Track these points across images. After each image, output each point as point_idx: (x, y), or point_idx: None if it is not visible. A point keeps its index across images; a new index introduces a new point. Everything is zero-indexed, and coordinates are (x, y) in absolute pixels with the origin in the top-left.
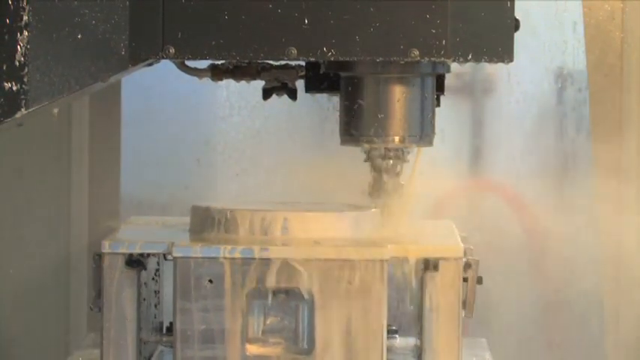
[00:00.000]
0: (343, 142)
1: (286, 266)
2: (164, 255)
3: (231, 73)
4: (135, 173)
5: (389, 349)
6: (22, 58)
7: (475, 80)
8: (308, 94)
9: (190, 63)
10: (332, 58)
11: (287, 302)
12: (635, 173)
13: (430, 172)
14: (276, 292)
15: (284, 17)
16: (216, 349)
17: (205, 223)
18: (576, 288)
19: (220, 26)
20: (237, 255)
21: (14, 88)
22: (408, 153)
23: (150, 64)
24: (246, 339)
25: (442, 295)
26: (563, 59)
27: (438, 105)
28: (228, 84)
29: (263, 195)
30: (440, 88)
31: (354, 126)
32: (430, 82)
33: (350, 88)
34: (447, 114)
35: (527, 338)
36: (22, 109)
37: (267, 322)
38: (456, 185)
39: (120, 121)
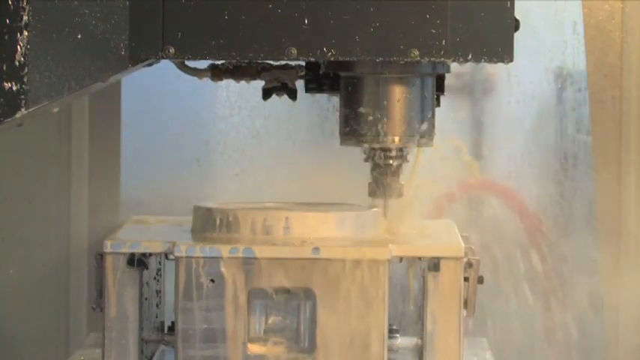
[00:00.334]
0: (343, 142)
1: (288, 266)
2: (166, 255)
3: (231, 73)
4: (135, 173)
5: (390, 349)
6: (22, 58)
7: (475, 80)
8: (308, 94)
9: (190, 63)
10: (332, 58)
11: (288, 302)
12: (635, 173)
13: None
14: (277, 292)
15: (284, 17)
16: (217, 348)
17: (207, 223)
18: (576, 288)
19: (220, 26)
20: (238, 255)
21: (14, 88)
22: (408, 153)
23: (150, 64)
24: (247, 338)
25: (443, 294)
26: (562, 59)
27: (438, 105)
28: (228, 84)
29: (263, 195)
30: (440, 88)
31: (354, 126)
32: (430, 82)
33: (350, 88)
34: (447, 114)
35: (526, 338)
36: (22, 109)
37: (269, 321)
38: (456, 185)
39: (120, 121)
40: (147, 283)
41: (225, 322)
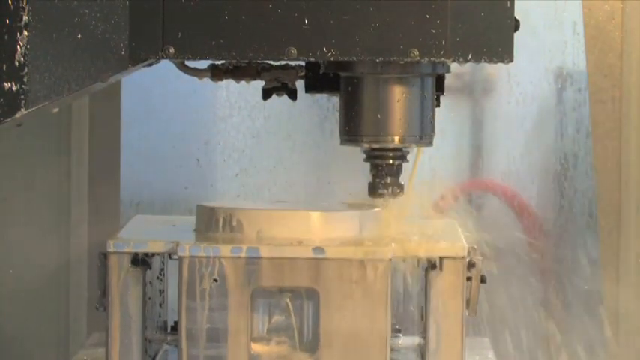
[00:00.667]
0: (343, 142)
1: (291, 265)
2: (169, 254)
3: (231, 73)
4: (135, 173)
5: (392, 348)
6: (22, 58)
7: (475, 80)
8: (308, 94)
9: (190, 63)
10: (332, 58)
11: (291, 301)
12: (635, 173)
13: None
14: (280, 291)
15: (284, 17)
16: (221, 347)
17: (210, 222)
18: (576, 288)
19: (220, 26)
20: (242, 254)
21: (14, 88)
22: (408, 153)
23: (150, 64)
24: (250, 337)
25: (446, 294)
26: (562, 59)
27: (438, 105)
28: (228, 84)
29: (263, 195)
30: (440, 88)
31: (354, 126)
32: (430, 82)
33: (350, 88)
34: (447, 114)
35: (526, 338)
36: (22, 109)
37: (272, 320)
38: (456, 185)
39: (120, 121)
40: (150, 282)
41: (229, 321)
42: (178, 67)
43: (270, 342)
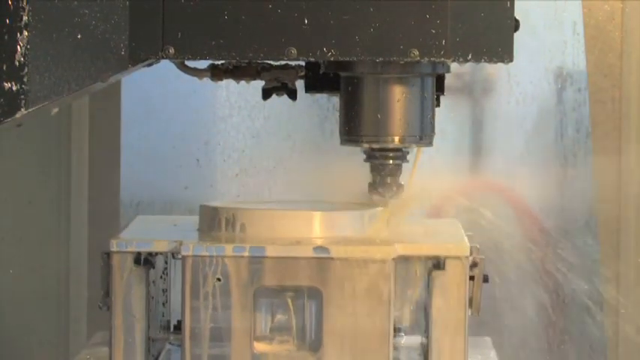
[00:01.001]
0: (343, 142)
1: (293, 265)
2: (172, 254)
3: (231, 73)
4: (135, 173)
5: (395, 348)
6: (22, 58)
7: (475, 80)
8: (308, 94)
9: (190, 63)
10: (332, 58)
11: (294, 300)
12: (635, 173)
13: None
14: (283, 291)
15: (284, 17)
16: (224, 347)
17: (213, 222)
18: (576, 288)
19: (220, 26)
20: (245, 254)
21: (14, 88)
22: (408, 153)
23: (150, 64)
24: (254, 337)
25: (449, 293)
26: (562, 59)
27: (438, 105)
28: (228, 84)
29: (263, 195)
30: (440, 88)
31: (354, 126)
32: (430, 82)
33: (350, 88)
34: (447, 114)
35: (526, 338)
36: (22, 109)
37: (275, 320)
38: (456, 185)
39: (120, 121)
40: (153, 281)
41: (232, 320)
42: (178, 67)
43: (273, 341)
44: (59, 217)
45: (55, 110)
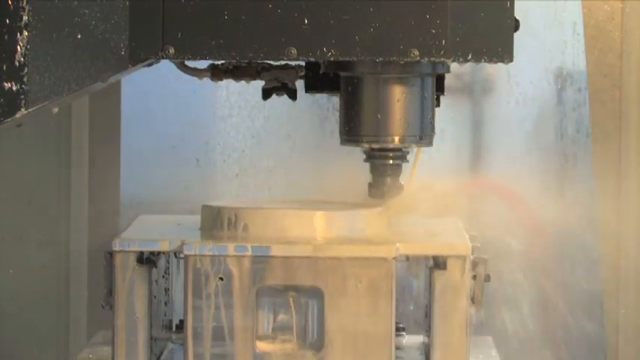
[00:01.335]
0: (343, 142)
1: (296, 264)
2: (175, 253)
3: (231, 73)
4: (135, 173)
5: (397, 347)
6: (22, 58)
7: (475, 80)
8: (308, 94)
9: (190, 63)
10: (332, 58)
11: (296, 299)
12: (635, 173)
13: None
14: (285, 290)
15: (284, 17)
16: (226, 346)
17: (215, 221)
18: (576, 288)
19: (220, 26)
20: (247, 253)
21: (14, 88)
22: (408, 153)
23: (150, 64)
24: (256, 336)
25: (450, 292)
26: (562, 59)
27: (438, 105)
28: (228, 84)
29: (263, 195)
30: (440, 88)
31: (354, 126)
32: (430, 82)
33: (350, 88)
34: (447, 114)
35: (527, 338)
36: (22, 109)
37: (277, 319)
38: (456, 185)
39: (120, 121)
40: (155, 281)
41: (234, 320)
42: (178, 67)
43: (275, 340)
44: (59, 217)
45: (55, 110)
